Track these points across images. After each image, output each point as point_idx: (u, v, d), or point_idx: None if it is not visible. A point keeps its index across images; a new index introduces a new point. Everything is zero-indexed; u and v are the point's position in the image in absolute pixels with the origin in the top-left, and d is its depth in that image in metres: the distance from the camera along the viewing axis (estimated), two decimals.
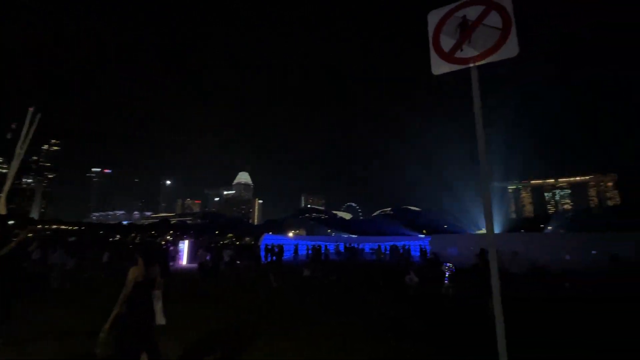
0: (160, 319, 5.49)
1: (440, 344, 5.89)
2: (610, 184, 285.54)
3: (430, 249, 25.42)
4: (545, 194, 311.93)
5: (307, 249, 31.95)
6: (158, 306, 5.28)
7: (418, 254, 27.52)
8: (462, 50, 2.60)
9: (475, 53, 2.53)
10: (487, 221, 2.38)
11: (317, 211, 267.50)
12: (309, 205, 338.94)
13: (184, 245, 27.81)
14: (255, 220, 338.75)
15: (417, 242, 29.53)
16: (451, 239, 24.85)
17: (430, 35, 2.75)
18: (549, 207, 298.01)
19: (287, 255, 29.27)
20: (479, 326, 7.24)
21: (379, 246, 27.54)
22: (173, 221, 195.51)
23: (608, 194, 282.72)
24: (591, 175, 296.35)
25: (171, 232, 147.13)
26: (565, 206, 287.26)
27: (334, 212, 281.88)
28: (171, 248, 29.46)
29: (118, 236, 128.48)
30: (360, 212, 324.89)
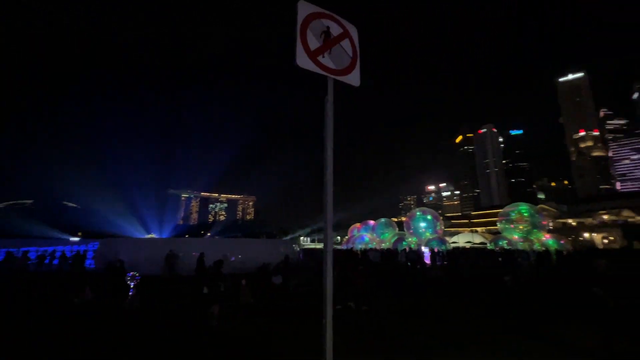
0: None
1: None
2: (251, 203, 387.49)
3: (98, 255, 21.02)
4: (210, 205, 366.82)
5: None
6: None
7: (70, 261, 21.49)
8: (323, 57, 2.66)
9: (333, 66, 2.69)
10: (327, 229, 2.46)
11: None
12: None
13: None
14: None
15: (78, 247, 23.36)
16: (130, 244, 22.10)
17: (298, 26, 2.58)
18: (209, 216, 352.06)
19: None
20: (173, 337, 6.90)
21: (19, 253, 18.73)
22: None
23: (248, 210, 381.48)
24: (241, 195, 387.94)
25: None
26: (221, 217, 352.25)
27: None
28: None
29: None
30: None
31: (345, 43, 2.83)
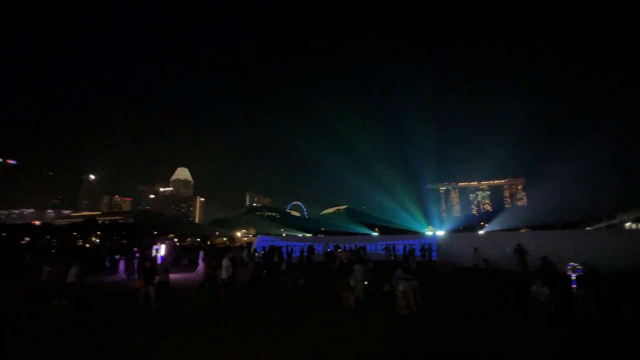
0: None
1: None
2: (520, 186, 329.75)
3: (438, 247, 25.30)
4: (470, 195, 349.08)
5: (302, 251, 29.52)
6: None
7: (418, 253, 25.97)
8: None
9: None
10: None
11: (269, 209, 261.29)
12: (255, 204, 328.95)
13: (161, 250, 22.44)
14: (197, 219, 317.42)
15: (417, 242, 28.95)
16: (455, 238, 25.36)
17: None
18: (472, 206, 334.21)
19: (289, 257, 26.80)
20: None
21: (390, 246, 26.63)
22: (100, 220, 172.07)
23: (518, 196, 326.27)
24: (505, 179, 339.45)
25: (99, 233, 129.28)
26: (486, 206, 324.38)
27: (287, 210, 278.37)
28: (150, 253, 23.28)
29: (27, 238, 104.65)
30: (305, 211, 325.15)
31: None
